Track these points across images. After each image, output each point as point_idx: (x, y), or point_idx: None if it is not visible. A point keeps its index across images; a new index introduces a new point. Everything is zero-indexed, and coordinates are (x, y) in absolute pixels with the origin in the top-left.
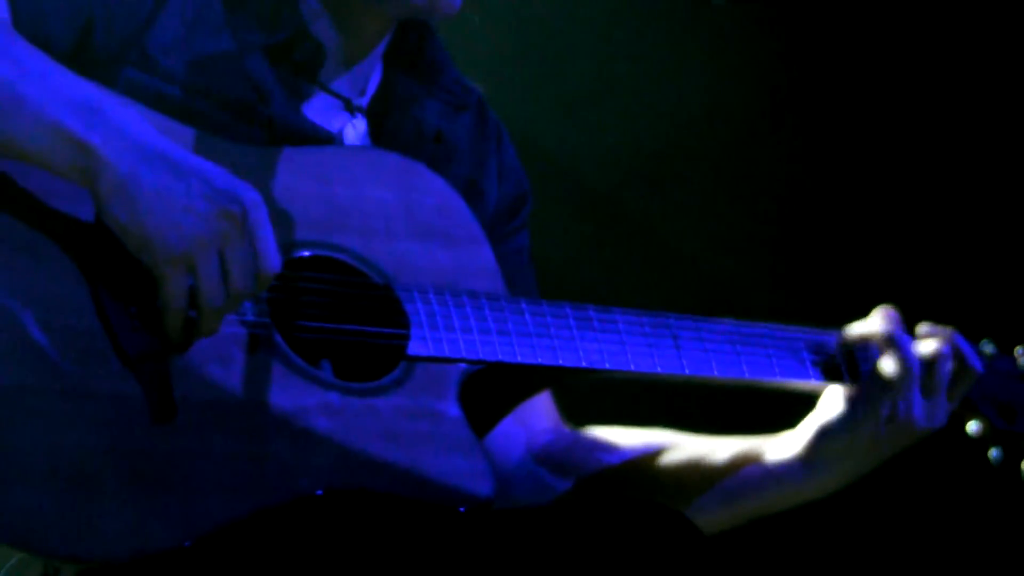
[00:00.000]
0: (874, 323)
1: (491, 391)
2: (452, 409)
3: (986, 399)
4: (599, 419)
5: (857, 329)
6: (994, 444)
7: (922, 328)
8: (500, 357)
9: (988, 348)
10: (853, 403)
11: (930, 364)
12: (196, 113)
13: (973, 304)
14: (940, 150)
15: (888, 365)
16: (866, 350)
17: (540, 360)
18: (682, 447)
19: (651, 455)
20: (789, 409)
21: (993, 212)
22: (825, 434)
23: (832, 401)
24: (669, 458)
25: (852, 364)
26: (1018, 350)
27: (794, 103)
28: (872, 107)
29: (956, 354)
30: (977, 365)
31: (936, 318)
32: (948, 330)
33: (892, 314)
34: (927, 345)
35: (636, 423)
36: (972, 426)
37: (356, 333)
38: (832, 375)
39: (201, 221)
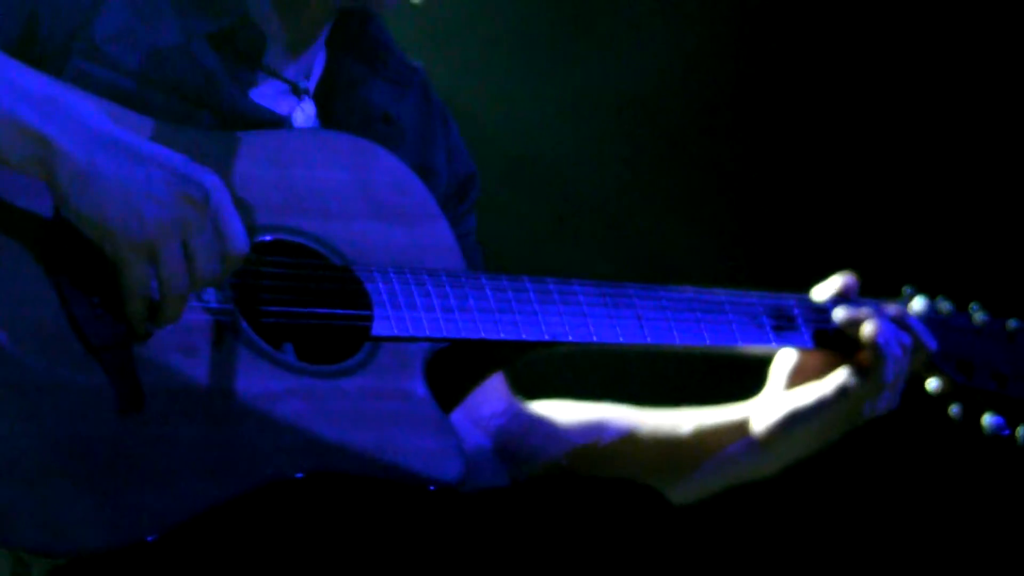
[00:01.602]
0: (865, 312)
1: (456, 368)
2: (419, 388)
3: (944, 356)
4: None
5: (849, 311)
6: (954, 401)
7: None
8: (463, 334)
9: (944, 305)
10: (840, 391)
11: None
12: (146, 101)
13: (925, 259)
14: (888, 111)
15: (887, 360)
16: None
17: (503, 335)
18: (643, 427)
19: (610, 443)
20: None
21: (939, 164)
22: (795, 420)
23: (793, 385)
24: (631, 444)
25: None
26: (972, 306)
27: (745, 72)
28: (823, 75)
29: (915, 341)
30: (931, 344)
31: (886, 273)
32: (909, 315)
33: (852, 282)
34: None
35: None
36: (932, 383)
37: (319, 316)
38: (824, 342)
39: (162, 208)
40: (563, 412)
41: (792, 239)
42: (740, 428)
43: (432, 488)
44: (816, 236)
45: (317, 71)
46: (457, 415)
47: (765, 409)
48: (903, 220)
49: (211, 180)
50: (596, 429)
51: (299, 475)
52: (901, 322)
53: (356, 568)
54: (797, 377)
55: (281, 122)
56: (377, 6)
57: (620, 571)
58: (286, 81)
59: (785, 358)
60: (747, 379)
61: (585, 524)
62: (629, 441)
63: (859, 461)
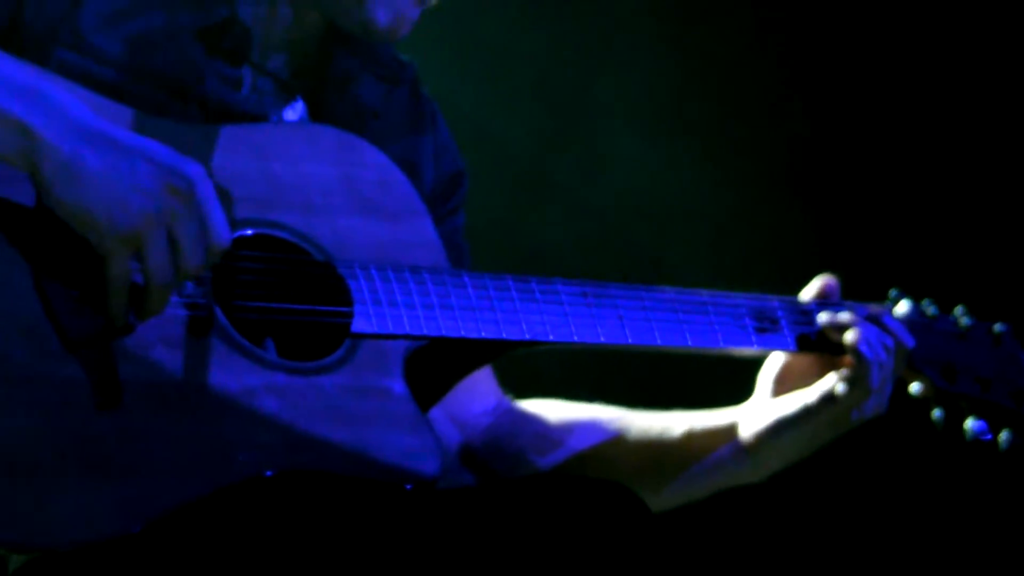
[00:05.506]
0: (847, 317)
1: (436, 366)
2: (397, 386)
3: (928, 360)
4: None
5: (831, 315)
6: (936, 405)
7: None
8: (444, 332)
9: (930, 309)
10: (825, 398)
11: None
12: (131, 93)
13: (913, 262)
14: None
15: (872, 365)
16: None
17: (483, 334)
18: (633, 428)
19: (599, 444)
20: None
21: (933, 168)
22: (782, 427)
23: (780, 391)
24: (621, 445)
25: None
26: (958, 310)
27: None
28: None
29: (896, 342)
30: (909, 342)
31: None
32: (886, 315)
33: (833, 284)
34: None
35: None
36: (914, 387)
37: (300, 312)
38: (807, 346)
39: (148, 198)
40: (553, 411)
41: (790, 245)
42: (729, 433)
43: (409, 487)
44: (809, 239)
45: (308, 66)
46: (441, 414)
47: (752, 416)
48: (892, 223)
49: (196, 170)
50: (586, 429)
51: (273, 472)
52: (879, 322)
53: (330, 566)
54: (784, 382)
55: (267, 118)
56: (369, 35)
57: (593, 569)
58: (275, 79)
59: (772, 363)
60: (741, 382)
61: (558, 523)
62: (619, 442)
63: (844, 466)
